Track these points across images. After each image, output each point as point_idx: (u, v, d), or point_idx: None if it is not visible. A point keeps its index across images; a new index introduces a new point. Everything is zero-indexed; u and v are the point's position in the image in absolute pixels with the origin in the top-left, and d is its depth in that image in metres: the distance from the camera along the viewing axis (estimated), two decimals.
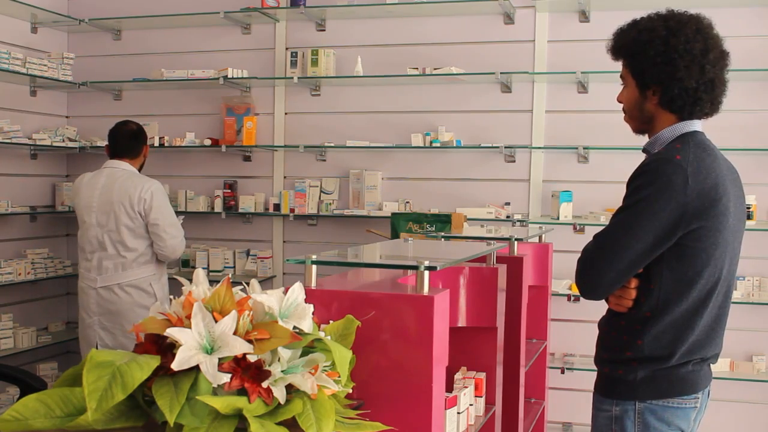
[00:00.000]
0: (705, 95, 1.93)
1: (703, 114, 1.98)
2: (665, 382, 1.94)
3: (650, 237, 1.84)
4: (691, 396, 1.96)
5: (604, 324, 2.07)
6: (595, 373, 2.10)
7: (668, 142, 1.96)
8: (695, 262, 1.88)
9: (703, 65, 1.90)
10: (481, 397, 2.32)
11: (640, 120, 2.04)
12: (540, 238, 3.64)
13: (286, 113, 4.69)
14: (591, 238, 1.97)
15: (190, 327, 1.23)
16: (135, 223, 3.70)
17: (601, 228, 1.99)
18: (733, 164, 2.03)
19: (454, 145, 4.27)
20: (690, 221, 1.84)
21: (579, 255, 1.98)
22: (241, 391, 1.21)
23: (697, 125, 1.99)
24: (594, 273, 1.91)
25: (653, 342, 1.92)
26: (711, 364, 2.05)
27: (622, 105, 2.08)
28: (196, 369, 1.20)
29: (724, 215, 1.89)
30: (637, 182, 1.89)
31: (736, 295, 3.90)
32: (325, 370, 1.32)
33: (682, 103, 1.93)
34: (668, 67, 1.90)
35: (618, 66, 2.07)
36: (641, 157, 2.08)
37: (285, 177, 4.71)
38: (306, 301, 1.38)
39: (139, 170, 3.88)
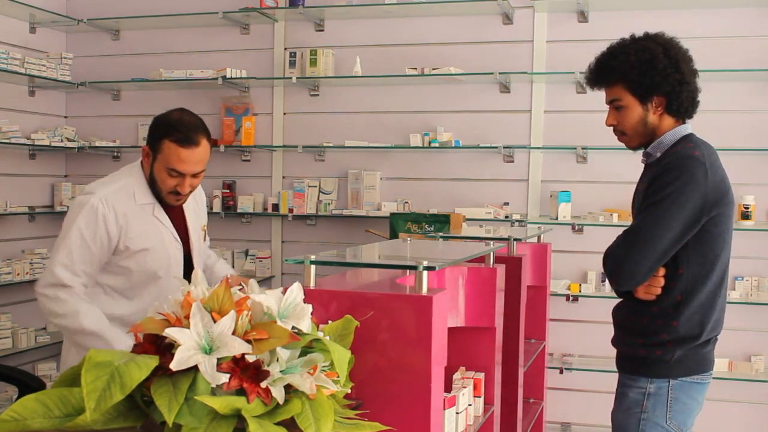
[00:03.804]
0: (697, 93, 2.18)
1: (695, 112, 2.21)
2: (693, 360, 2.14)
3: (679, 226, 2.04)
4: (708, 372, 2.17)
5: (631, 313, 2.20)
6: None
7: (671, 144, 2.15)
8: (715, 245, 2.11)
9: (693, 68, 2.17)
10: (480, 397, 2.32)
11: (643, 135, 2.20)
12: (539, 238, 3.64)
13: (284, 113, 4.69)
14: (614, 238, 2.16)
15: (188, 327, 1.23)
16: None
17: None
18: (730, 163, 2.31)
19: (453, 145, 4.27)
20: (711, 209, 2.06)
21: (604, 253, 2.17)
22: (240, 391, 1.21)
23: (690, 128, 2.19)
24: (631, 264, 2.08)
25: (686, 322, 2.11)
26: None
27: (614, 127, 2.24)
28: (194, 369, 1.20)
29: (732, 203, 2.14)
30: (663, 179, 2.07)
31: (734, 296, 3.90)
32: (324, 370, 1.32)
33: (688, 105, 2.15)
34: (678, 75, 2.12)
35: None
36: (640, 157, 2.27)
37: (284, 177, 4.71)
38: (305, 301, 1.37)
39: (149, 177, 2.56)
